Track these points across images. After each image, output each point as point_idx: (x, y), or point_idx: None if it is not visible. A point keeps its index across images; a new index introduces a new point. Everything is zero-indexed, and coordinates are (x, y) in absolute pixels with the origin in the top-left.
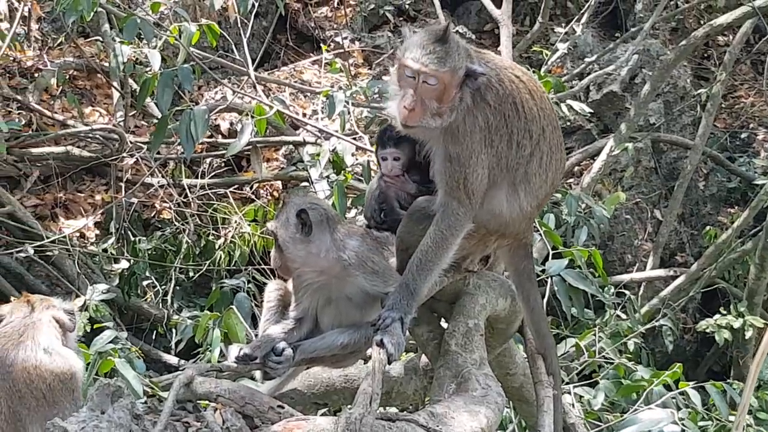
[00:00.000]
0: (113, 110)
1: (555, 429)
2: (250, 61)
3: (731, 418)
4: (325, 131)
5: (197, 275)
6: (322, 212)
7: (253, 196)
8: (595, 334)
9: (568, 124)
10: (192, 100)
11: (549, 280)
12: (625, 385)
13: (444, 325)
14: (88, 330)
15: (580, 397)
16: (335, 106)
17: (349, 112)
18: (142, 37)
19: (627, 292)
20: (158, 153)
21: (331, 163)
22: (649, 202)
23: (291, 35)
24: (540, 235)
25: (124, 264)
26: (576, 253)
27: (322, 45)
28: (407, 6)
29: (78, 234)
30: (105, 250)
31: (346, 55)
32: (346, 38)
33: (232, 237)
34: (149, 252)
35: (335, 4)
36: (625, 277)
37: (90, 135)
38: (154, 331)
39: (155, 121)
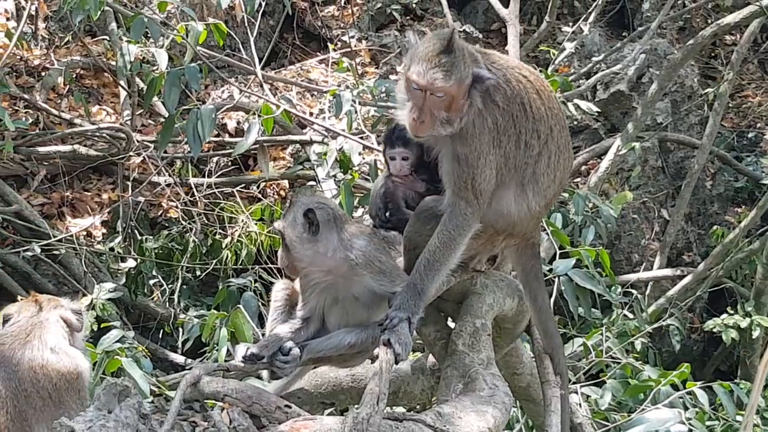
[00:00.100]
0: (120, 109)
1: (562, 429)
2: (257, 60)
3: (738, 418)
4: (332, 130)
5: (204, 274)
6: (329, 212)
7: (260, 195)
8: (602, 334)
9: (575, 123)
10: (199, 99)
11: (556, 279)
12: (632, 385)
13: (451, 324)
14: (95, 329)
15: (587, 396)
16: (342, 105)
17: (356, 112)
18: (149, 36)
19: (634, 291)
20: (165, 152)
21: (338, 162)
22: (656, 201)
23: (298, 34)
24: (547, 234)
25: (130, 263)
26: (583, 253)
27: (329, 44)
28: (414, 5)
29: (85, 233)
30: (112, 249)
31: (353, 54)
32: (353, 37)
33: (239, 236)
34: (156, 251)
35: (342, 3)
36: (632, 277)
37: (97, 134)
38: (161, 330)
39: (162, 120)
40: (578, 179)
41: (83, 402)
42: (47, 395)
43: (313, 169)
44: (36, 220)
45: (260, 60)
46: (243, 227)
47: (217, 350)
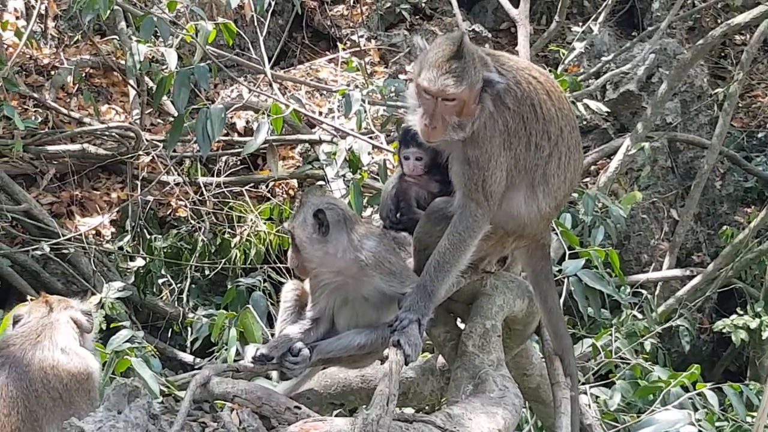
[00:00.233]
0: (129, 108)
1: (572, 430)
2: (266, 59)
3: (748, 418)
4: (342, 130)
5: (213, 273)
6: (339, 212)
7: (269, 195)
8: (611, 334)
9: (585, 123)
10: (208, 99)
11: (565, 280)
12: (642, 386)
13: (461, 325)
14: (104, 328)
15: (596, 397)
16: (352, 105)
17: (365, 111)
18: (158, 35)
19: (644, 291)
20: (174, 151)
21: (347, 161)
22: (666, 201)
23: (307, 33)
24: (556, 234)
25: (139, 262)
26: (593, 253)
27: (338, 43)
28: (423, 4)
29: (94, 232)
30: (121, 248)
31: (362, 54)
32: (362, 36)
33: (248, 235)
34: (165, 250)
35: (351, 3)
36: (642, 277)
37: (106, 133)
38: (170, 329)
39: (171, 119)
40: (587, 179)
41: (93, 402)
42: (57, 395)
43: (322, 169)
44: (45, 219)
45: (269, 59)
46: (252, 226)
47: (226, 350)
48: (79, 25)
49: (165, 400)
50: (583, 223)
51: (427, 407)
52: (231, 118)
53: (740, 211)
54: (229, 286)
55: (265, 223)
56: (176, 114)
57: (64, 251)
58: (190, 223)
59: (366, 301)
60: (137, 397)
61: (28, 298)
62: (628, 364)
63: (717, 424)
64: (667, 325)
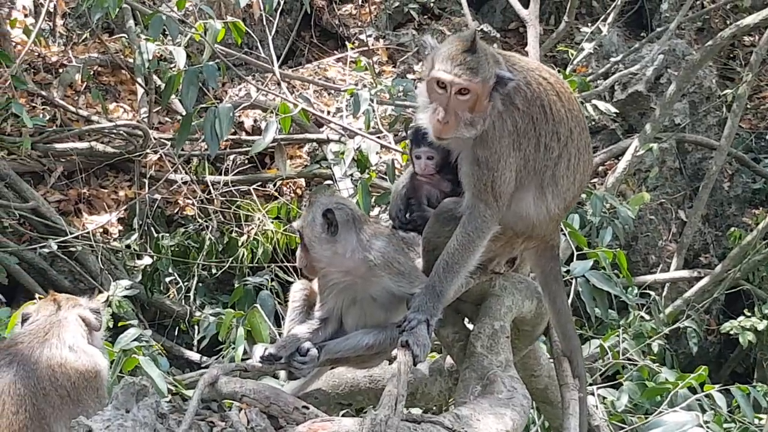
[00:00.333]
0: (137, 106)
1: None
2: (275, 58)
3: (756, 420)
4: (350, 129)
5: (220, 272)
6: (348, 212)
7: (276, 194)
8: (618, 335)
9: (593, 123)
10: (216, 97)
11: (573, 280)
12: (649, 388)
13: (469, 326)
14: (110, 326)
15: (603, 398)
16: (360, 104)
17: (373, 111)
18: (167, 33)
19: (651, 293)
20: (182, 149)
21: (355, 161)
22: (674, 202)
23: (315, 32)
24: (564, 235)
25: (147, 260)
26: (601, 254)
27: (346, 42)
28: (432, 4)
29: (101, 230)
30: (128, 246)
31: (371, 53)
32: (370, 36)
33: (255, 234)
34: (172, 248)
35: (360, 2)
36: (649, 278)
37: (114, 131)
38: (176, 328)
39: (179, 117)
40: (595, 180)
41: (101, 401)
42: (65, 394)
43: (330, 168)
44: (53, 217)
45: (278, 58)
46: (259, 225)
47: (233, 349)
48: (88, 23)
49: (173, 399)
50: (590, 223)
51: (434, 407)
52: (239, 116)
53: (748, 213)
54: (236, 285)
55: (272, 222)
56: (184, 112)
57: (72, 249)
58: (198, 222)
59: (374, 302)
60: (145, 396)
61: (36, 296)
62: (636, 365)
63: (725, 425)
64: (675, 326)
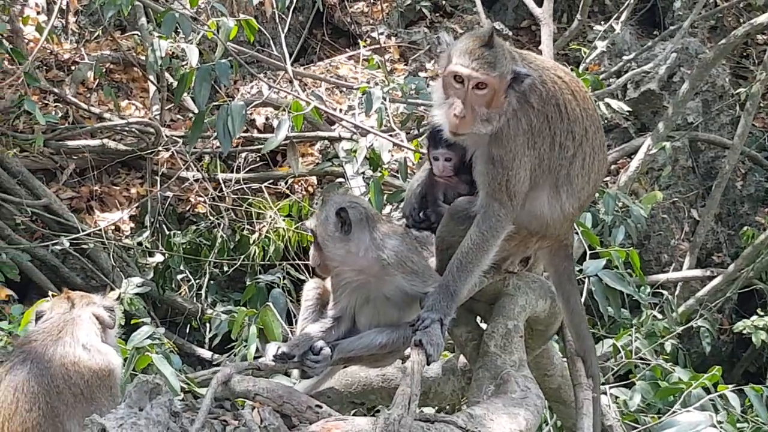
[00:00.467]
0: (149, 104)
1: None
2: (287, 55)
3: None
4: (362, 127)
5: (231, 270)
6: (361, 211)
7: (288, 191)
8: (631, 335)
9: (606, 122)
10: (228, 95)
11: (586, 280)
12: (662, 387)
13: (483, 326)
14: (122, 324)
15: (616, 397)
16: (372, 102)
17: (385, 109)
18: (179, 31)
19: (664, 292)
20: (194, 147)
21: (367, 159)
22: (687, 201)
23: (327, 30)
24: (577, 234)
25: (158, 258)
26: (613, 254)
27: (358, 40)
28: (444, 2)
29: (113, 227)
30: (140, 244)
31: (383, 51)
32: (382, 34)
33: (267, 232)
34: (184, 246)
35: (372, 0)
36: (662, 277)
37: (126, 128)
38: (188, 325)
39: (191, 115)
40: (608, 178)
41: (115, 399)
42: (79, 392)
43: (342, 166)
44: (65, 214)
45: (290, 56)
46: (271, 223)
47: (245, 347)
48: (100, 21)
49: (185, 397)
50: (603, 222)
51: (447, 407)
52: (251, 114)
53: (761, 212)
54: (247, 283)
55: (284, 220)
56: (196, 110)
57: (84, 246)
58: (209, 219)
59: (388, 300)
60: (158, 395)
61: (49, 293)
62: (648, 364)
63: (738, 425)
64: (688, 325)
